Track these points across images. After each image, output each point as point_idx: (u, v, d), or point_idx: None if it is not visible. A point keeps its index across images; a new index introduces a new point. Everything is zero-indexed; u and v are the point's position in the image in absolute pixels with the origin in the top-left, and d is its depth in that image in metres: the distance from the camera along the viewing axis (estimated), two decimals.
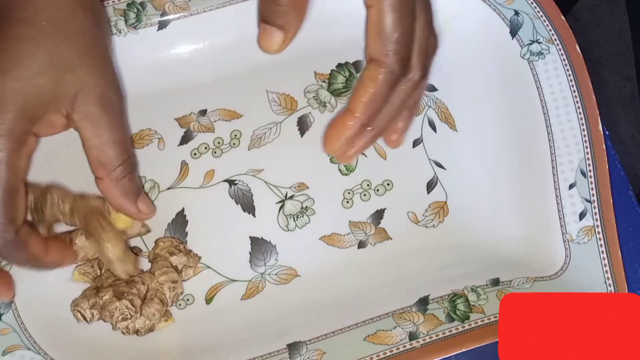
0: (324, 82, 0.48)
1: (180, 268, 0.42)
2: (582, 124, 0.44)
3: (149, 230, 0.44)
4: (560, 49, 0.45)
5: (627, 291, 0.40)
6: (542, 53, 0.45)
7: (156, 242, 0.43)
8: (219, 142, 0.46)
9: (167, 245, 0.43)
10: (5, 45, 0.34)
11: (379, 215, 0.45)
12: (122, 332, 0.40)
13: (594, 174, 0.43)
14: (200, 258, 0.44)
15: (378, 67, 0.31)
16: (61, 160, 0.44)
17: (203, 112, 0.47)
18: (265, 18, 0.31)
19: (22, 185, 0.35)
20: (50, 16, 0.35)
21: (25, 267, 0.37)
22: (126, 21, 0.46)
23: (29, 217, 0.39)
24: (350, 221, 0.45)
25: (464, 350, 0.38)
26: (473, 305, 0.40)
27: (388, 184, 0.46)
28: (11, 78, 0.33)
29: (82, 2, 0.37)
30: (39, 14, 0.34)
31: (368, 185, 0.46)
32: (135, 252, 0.43)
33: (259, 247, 0.44)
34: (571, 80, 0.45)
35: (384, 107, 0.33)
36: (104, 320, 0.40)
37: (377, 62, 0.31)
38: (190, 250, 0.44)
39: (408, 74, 0.32)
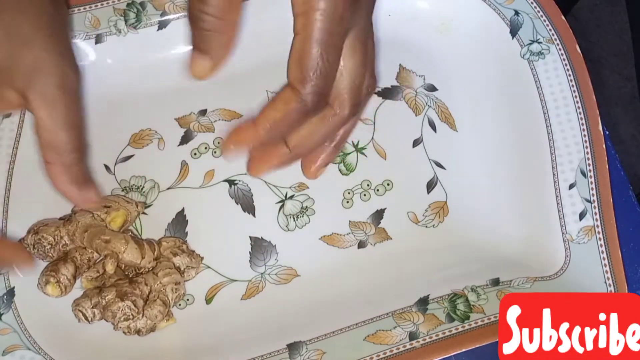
0: None
1: (183, 269, 0.42)
2: (582, 124, 0.44)
3: (144, 206, 0.44)
4: (560, 49, 0.45)
5: (627, 291, 0.40)
6: (542, 53, 0.45)
7: (159, 241, 0.43)
8: (219, 142, 0.46)
9: (170, 245, 0.43)
10: None
11: (379, 215, 0.45)
12: (124, 332, 0.40)
13: (594, 174, 0.43)
14: (202, 259, 0.44)
15: (292, 94, 0.30)
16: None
17: (203, 112, 0.47)
18: (193, 44, 0.31)
19: None
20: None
21: None
22: (126, 21, 0.46)
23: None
24: (350, 221, 0.45)
25: (464, 350, 0.38)
26: (473, 305, 0.40)
27: (388, 184, 0.46)
28: None
29: None
30: None
31: (368, 185, 0.46)
32: (146, 241, 0.43)
33: (259, 247, 0.44)
34: (571, 80, 0.45)
35: (312, 136, 0.32)
36: (106, 320, 0.40)
37: (293, 89, 0.30)
38: (193, 251, 0.44)
39: (329, 109, 0.31)
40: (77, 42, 0.46)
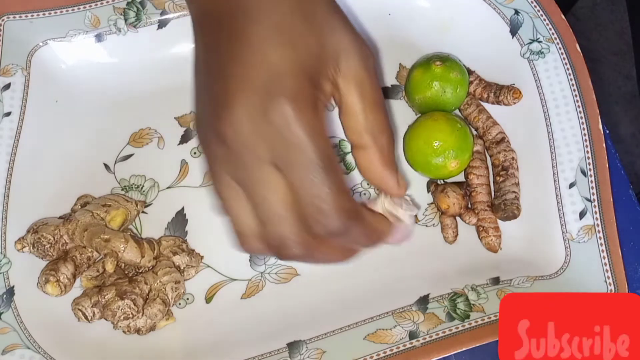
0: None
1: (182, 268, 0.42)
2: (582, 123, 0.44)
3: (144, 205, 0.44)
4: (560, 48, 0.45)
5: (627, 290, 0.40)
6: (542, 52, 0.45)
7: (159, 240, 0.43)
8: None
9: (170, 244, 0.43)
10: (260, 16, 0.30)
11: None
12: (123, 331, 0.40)
13: (594, 173, 0.43)
14: (202, 258, 0.44)
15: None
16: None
17: None
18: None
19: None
20: None
21: (366, 245, 0.33)
22: (126, 20, 0.46)
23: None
24: None
25: (464, 349, 0.38)
26: (473, 304, 0.40)
27: None
28: (282, 46, 0.29)
29: None
30: None
31: (368, 184, 0.46)
32: (145, 240, 0.43)
33: None
34: (571, 79, 0.45)
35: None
36: (106, 319, 0.40)
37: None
38: (193, 250, 0.44)
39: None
40: (77, 41, 0.46)
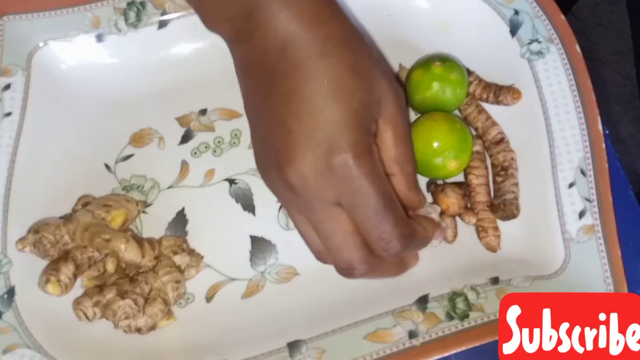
0: None
1: (183, 268, 0.42)
2: (582, 123, 0.44)
3: (145, 205, 0.45)
4: (560, 49, 0.45)
5: (626, 290, 0.40)
6: (542, 52, 0.45)
7: (159, 240, 0.43)
8: (219, 142, 0.46)
9: (171, 244, 0.43)
10: (313, 73, 0.33)
11: None
12: (124, 331, 0.40)
13: (594, 173, 0.43)
14: (203, 257, 0.44)
15: None
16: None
17: (203, 112, 0.47)
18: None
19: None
20: (341, 38, 0.35)
21: (419, 249, 0.39)
22: (126, 20, 0.46)
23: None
24: None
25: (463, 348, 0.38)
26: (472, 304, 0.40)
27: None
28: (337, 102, 0.33)
29: (351, 26, 0.37)
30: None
31: None
32: (146, 240, 0.43)
33: (259, 246, 0.44)
34: (571, 80, 0.45)
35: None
36: (107, 319, 0.40)
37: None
38: (194, 250, 0.44)
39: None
40: (77, 41, 0.46)
